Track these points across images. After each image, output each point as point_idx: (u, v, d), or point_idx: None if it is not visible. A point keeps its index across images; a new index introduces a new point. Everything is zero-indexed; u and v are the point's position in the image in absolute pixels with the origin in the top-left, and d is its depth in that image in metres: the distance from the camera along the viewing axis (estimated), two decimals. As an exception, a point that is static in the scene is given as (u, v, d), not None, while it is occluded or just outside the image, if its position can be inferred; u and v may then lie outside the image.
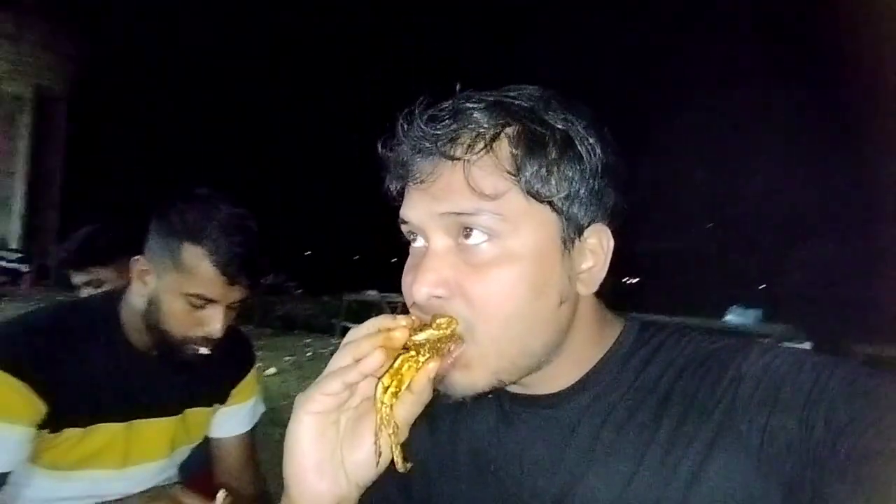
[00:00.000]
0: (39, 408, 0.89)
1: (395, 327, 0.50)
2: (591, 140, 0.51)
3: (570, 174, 0.50)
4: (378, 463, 0.48)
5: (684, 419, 0.51)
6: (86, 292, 1.62)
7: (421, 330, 0.49)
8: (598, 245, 0.53)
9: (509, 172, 0.49)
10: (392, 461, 0.49)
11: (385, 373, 0.48)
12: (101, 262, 1.62)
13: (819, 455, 0.44)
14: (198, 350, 0.97)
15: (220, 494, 0.94)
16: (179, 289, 0.94)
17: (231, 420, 1.21)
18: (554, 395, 0.57)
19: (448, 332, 0.49)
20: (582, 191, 0.51)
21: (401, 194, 0.55)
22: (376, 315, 0.53)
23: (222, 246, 0.93)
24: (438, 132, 0.49)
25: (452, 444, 0.64)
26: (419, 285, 0.50)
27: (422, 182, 0.51)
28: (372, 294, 10.28)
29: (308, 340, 10.21)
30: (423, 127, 0.50)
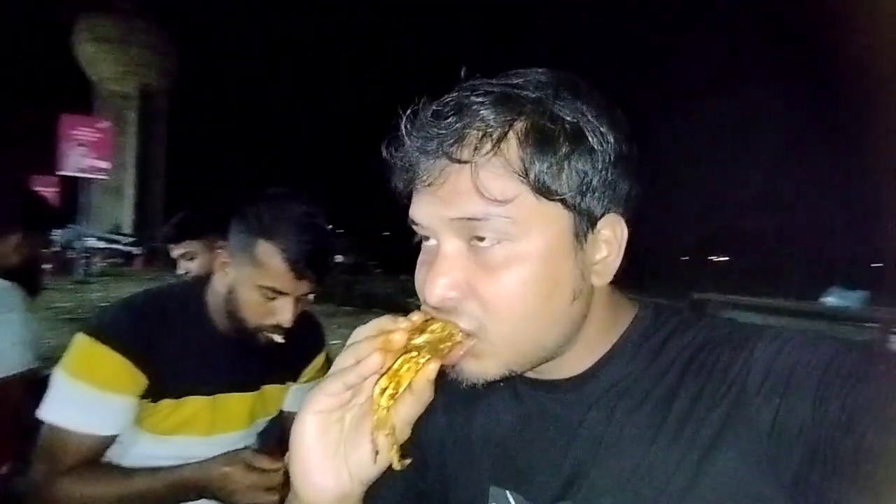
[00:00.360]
0: (140, 381, 1.03)
1: (394, 329, 0.50)
2: (602, 129, 0.49)
3: (582, 168, 0.48)
4: (376, 462, 0.49)
5: (694, 405, 0.50)
6: (182, 263, 1.96)
7: (421, 332, 0.50)
8: (612, 235, 0.52)
9: (518, 174, 0.47)
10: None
11: (384, 374, 0.49)
12: (193, 237, 1.95)
13: (831, 440, 0.43)
14: (270, 336, 1.07)
15: (288, 456, 1.03)
16: (254, 281, 1.02)
17: (303, 396, 1.31)
18: (567, 380, 0.57)
19: (445, 334, 0.50)
20: (594, 183, 0.49)
21: (409, 193, 0.54)
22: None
23: (292, 243, 1.00)
24: (443, 132, 0.48)
25: (468, 424, 0.65)
26: (431, 288, 0.50)
27: (429, 185, 0.50)
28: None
29: (385, 319, 10.52)
30: (427, 127, 0.49)
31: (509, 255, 0.49)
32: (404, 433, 0.50)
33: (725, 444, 0.48)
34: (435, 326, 0.50)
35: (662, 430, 0.51)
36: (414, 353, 0.49)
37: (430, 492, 0.67)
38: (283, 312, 1.04)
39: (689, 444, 0.49)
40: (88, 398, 0.98)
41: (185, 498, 0.99)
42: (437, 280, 0.50)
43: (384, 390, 0.48)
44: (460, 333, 0.50)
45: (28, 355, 1.38)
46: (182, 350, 1.08)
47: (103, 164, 20.22)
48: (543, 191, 0.47)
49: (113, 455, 1.06)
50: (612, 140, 0.49)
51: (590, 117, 0.49)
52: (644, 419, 0.52)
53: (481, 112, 0.47)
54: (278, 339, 1.07)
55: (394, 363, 0.49)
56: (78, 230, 21.85)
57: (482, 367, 0.52)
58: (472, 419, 0.65)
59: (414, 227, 0.54)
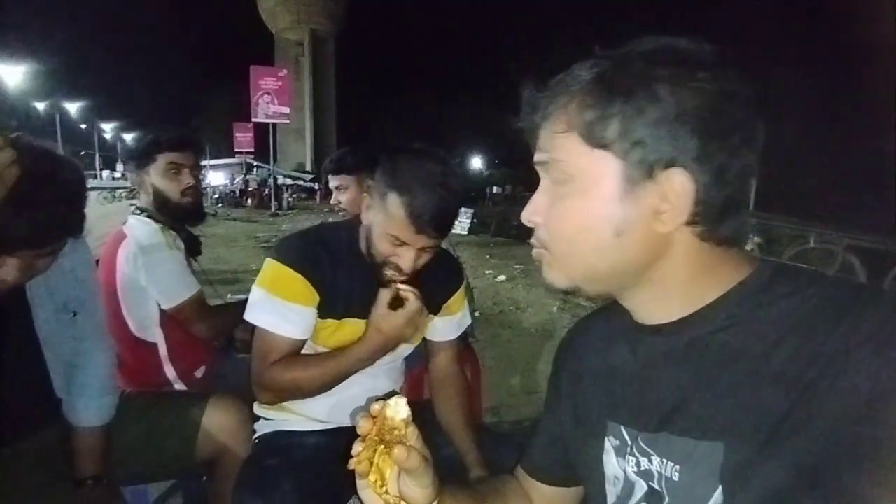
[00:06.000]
0: (315, 295, 1.25)
1: (363, 416, 0.63)
2: (663, 89, 0.53)
3: (630, 122, 0.55)
4: None
5: (788, 365, 0.52)
6: (336, 194, 2.29)
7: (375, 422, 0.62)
8: (671, 188, 0.55)
9: (569, 126, 0.58)
10: None
11: (370, 469, 0.61)
12: (347, 172, 2.22)
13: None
14: (394, 275, 1.21)
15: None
16: (383, 228, 1.16)
17: (442, 329, 1.45)
18: (667, 324, 0.63)
19: (386, 426, 0.61)
20: (644, 136, 0.54)
21: None
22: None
23: (418, 200, 1.10)
24: (541, 98, 0.61)
25: (595, 366, 0.75)
26: (523, 213, 0.66)
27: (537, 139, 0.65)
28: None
29: (538, 250, 10.51)
30: (536, 95, 0.63)
31: (567, 191, 0.60)
32: (422, 497, 0.65)
33: (809, 408, 0.49)
34: (363, 428, 0.61)
35: (752, 383, 0.54)
36: (381, 446, 0.61)
37: (565, 434, 0.79)
38: (404, 260, 1.18)
39: (776, 401, 0.51)
40: (278, 307, 1.20)
41: (373, 361, 1.24)
42: (527, 207, 0.66)
43: (375, 482, 0.61)
44: (401, 422, 0.62)
45: (191, 283, 1.68)
46: (340, 276, 1.26)
47: (285, 110, 22.68)
48: (589, 139, 0.57)
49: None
50: (672, 99, 0.53)
51: (651, 78, 0.54)
52: (739, 369, 0.56)
53: (568, 80, 0.58)
54: (397, 276, 1.20)
55: (375, 458, 0.61)
56: (271, 170, 25.16)
57: (550, 276, 0.65)
58: (598, 361, 0.75)
59: None
